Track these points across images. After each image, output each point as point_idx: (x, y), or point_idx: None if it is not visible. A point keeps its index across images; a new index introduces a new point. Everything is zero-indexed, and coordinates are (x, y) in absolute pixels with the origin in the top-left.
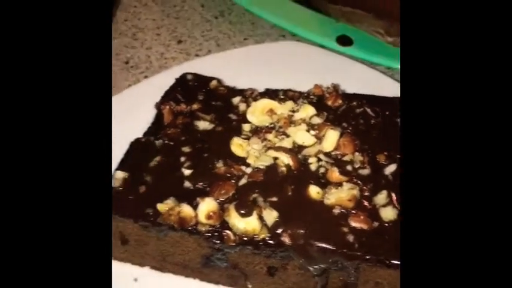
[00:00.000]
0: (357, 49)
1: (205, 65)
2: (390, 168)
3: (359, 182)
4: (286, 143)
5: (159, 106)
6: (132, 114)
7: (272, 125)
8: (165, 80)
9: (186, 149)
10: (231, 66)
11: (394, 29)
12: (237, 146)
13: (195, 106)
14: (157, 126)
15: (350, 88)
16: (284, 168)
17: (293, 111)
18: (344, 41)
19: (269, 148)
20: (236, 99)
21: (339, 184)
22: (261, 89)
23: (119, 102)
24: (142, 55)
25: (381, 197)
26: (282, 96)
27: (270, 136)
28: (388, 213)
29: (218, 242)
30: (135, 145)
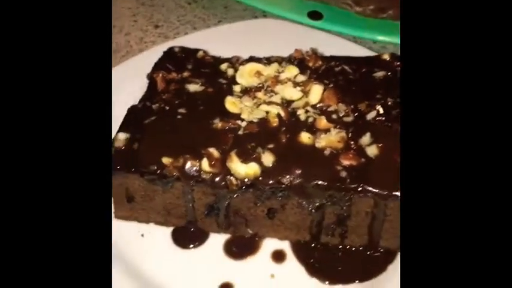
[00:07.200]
0: (327, 22)
1: (186, 44)
2: (371, 115)
3: (344, 128)
4: (276, 99)
5: (151, 75)
6: (120, 90)
7: (261, 85)
8: (148, 59)
9: (182, 110)
10: (211, 43)
11: None
12: (231, 103)
13: (185, 74)
14: (151, 93)
15: (325, 54)
16: (276, 119)
17: (278, 72)
18: (315, 16)
19: (260, 104)
20: (224, 66)
21: (327, 130)
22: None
23: None
24: (121, 40)
25: (365, 139)
26: (265, 61)
27: (259, 94)
28: (373, 150)
29: (222, 187)
30: (133, 110)
